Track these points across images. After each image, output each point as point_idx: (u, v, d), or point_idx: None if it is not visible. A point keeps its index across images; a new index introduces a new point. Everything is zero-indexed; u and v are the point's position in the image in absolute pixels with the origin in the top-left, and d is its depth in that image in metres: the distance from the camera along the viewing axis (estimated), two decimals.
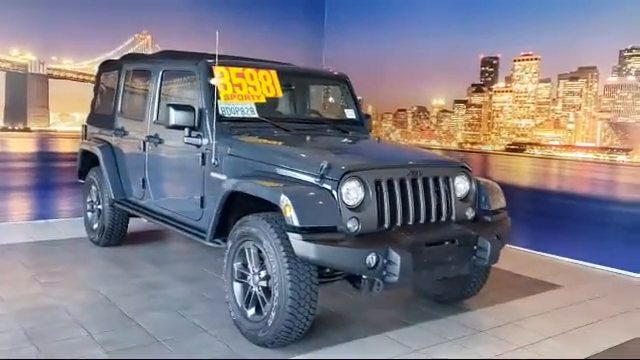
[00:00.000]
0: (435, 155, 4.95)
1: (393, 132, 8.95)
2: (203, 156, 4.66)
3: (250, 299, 3.95)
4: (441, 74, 8.07)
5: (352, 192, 3.74)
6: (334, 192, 3.68)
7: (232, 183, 4.09)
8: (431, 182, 4.13)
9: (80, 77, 7.72)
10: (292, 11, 9.71)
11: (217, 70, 4.80)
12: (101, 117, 6.51)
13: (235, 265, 4.07)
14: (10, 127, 7.41)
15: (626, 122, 6.23)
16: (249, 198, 4.01)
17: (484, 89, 7.62)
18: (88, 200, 6.57)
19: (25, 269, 5.45)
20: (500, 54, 7.43)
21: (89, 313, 4.37)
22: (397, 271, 3.53)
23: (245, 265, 4.02)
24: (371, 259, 3.52)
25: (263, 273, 3.82)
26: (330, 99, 5.77)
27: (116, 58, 7.43)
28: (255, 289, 3.90)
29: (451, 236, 4.01)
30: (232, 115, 4.73)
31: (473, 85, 7.76)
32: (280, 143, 4.52)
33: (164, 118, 5.05)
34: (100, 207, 6.25)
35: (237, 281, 4.06)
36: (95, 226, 6.38)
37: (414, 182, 4.03)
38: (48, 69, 7.56)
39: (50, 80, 7.60)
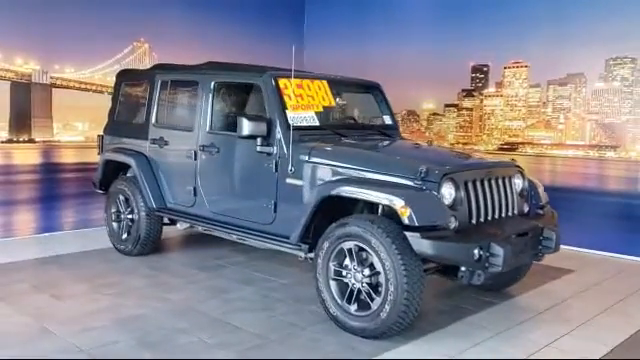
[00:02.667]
0: (492, 158, 5.46)
1: None
2: (276, 163, 4.89)
3: (352, 296, 4.24)
4: (430, 80, 8.61)
5: (449, 192, 4.15)
6: (435, 193, 4.07)
7: (330, 187, 4.36)
8: (500, 181, 4.62)
9: (82, 86, 7.62)
10: (274, 14, 9.92)
11: (282, 82, 5.05)
12: (127, 127, 6.49)
13: (332, 264, 4.34)
14: (15, 139, 7.19)
15: (613, 122, 7.03)
16: (332, 204, 4.33)
17: (475, 94, 8.24)
18: (113, 210, 6.52)
19: (78, 283, 5.39)
20: (490, 62, 8.07)
21: (181, 319, 4.47)
22: (500, 262, 3.97)
23: (341, 264, 4.31)
24: (476, 252, 3.94)
25: (367, 271, 4.13)
26: (366, 106, 6.13)
27: (117, 67, 7.44)
28: (358, 286, 4.20)
29: (527, 228, 4.51)
30: (298, 124, 4.99)
31: (464, 90, 8.36)
32: (357, 149, 4.83)
33: (222, 127, 5.24)
34: (131, 216, 6.25)
35: (334, 279, 4.34)
36: (125, 236, 6.36)
37: (489, 181, 4.50)
38: (51, 78, 7.40)
39: (53, 90, 7.44)
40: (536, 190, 5.07)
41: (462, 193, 4.22)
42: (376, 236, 4.00)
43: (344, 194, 4.27)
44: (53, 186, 7.52)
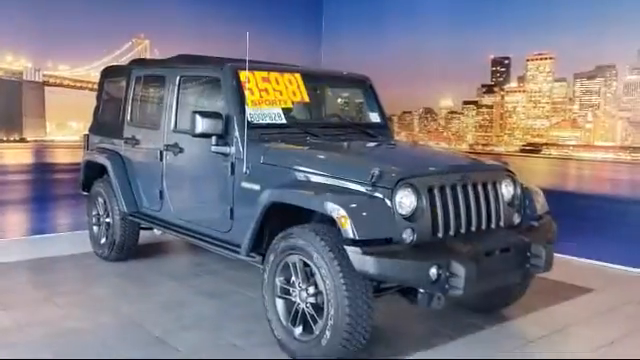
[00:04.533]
0: (479, 159, 4.77)
1: (398, 135, 8.77)
2: (232, 165, 4.43)
3: (297, 317, 3.71)
4: (448, 75, 7.93)
5: (406, 200, 3.55)
6: (387, 201, 3.48)
7: (273, 193, 3.86)
8: (480, 187, 3.96)
9: (77, 84, 7.39)
10: (289, 9, 9.48)
11: (243, 74, 4.57)
12: (106, 126, 6.22)
13: (278, 280, 3.83)
14: (5, 138, 7.03)
15: None
16: (286, 209, 3.81)
17: (495, 89, 7.51)
18: (94, 213, 6.25)
19: (36, 290, 5.12)
20: (512, 54, 7.31)
21: (118, 336, 4.08)
22: (461, 284, 3.34)
23: (288, 280, 3.79)
24: (433, 272, 3.33)
25: (312, 289, 3.59)
26: (352, 102, 5.58)
27: (114, 64, 7.15)
28: (302, 306, 3.66)
29: (506, 244, 3.83)
30: (260, 121, 4.52)
31: (483, 86, 7.64)
32: (317, 150, 4.29)
33: (186, 126, 4.83)
34: (109, 220, 5.95)
35: (280, 297, 3.83)
36: (103, 240, 6.07)
37: (464, 188, 3.85)
38: (44, 76, 7.21)
39: (46, 88, 7.25)
40: (532, 198, 4.35)
41: (424, 201, 3.60)
42: (318, 250, 3.46)
43: (285, 201, 3.75)
44: (45, 187, 7.34)
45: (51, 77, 7.26)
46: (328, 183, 3.76)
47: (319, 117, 5.31)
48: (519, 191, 4.29)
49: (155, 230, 5.79)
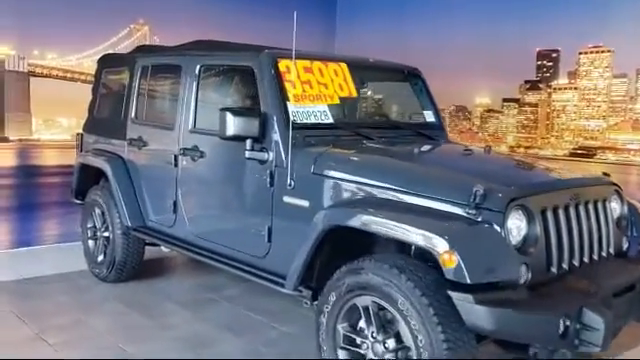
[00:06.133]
0: (578, 172, 3.93)
1: None
2: (271, 175, 3.57)
3: None
4: (485, 69, 7.12)
5: (517, 227, 2.73)
6: (497, 228, 2.65)
7: (336, 214, 3.01)
8: (591, 207, 3.15)
9: (68, 75, 6.49)
10: None
11: (283, 64, 3.72)
12: (105, 124, 5.33)
13: (340, 327, 2.98)
14: None
15: None
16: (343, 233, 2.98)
17: (541, 86, 6.75)
18: (89, 225, 5.35)
19: (21, 322, 4.20)
20: (561, 47, 6.55)
21: None
22: (599, 339, 2.51)
23: (355, 327, 2.95)
24: (562, 324, 2.50)
25: (391, 342, 2.75)
26: (399, 98, 4.75)
27: (111, 52, 6.22)
28: None
29: (631, 279, 3.03)
30: (304, 121, 3.66)
31: (527, 82, 6.90)
32: (384, 157, 3.46)
33: (208, 125, 3.98)
34: (108, 234, 5.06)
35: (344, 349, 2.98)
36: (100, 258, 5.17)
37: (576, 208, 3.04)
38: (29, 65, 6.28)
39: (32, 79, 6.31)
40: (638, 217, 3.56)
41: (538, 228, 2.78)
42: (405, 293, 2.61)
43: (356, 225, 2.89)
44: (31, 193, 6.40)
45: (38, 66, 6.35)
46: (407, 202, 2.93)
47: (368, 115, 4.47)
48: (625, 209, 3.49)
49: (163, 247, 4.92)
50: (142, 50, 5.19)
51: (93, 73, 6.30)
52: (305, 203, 3.37)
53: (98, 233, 5.23)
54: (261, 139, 3.60)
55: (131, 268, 5.07)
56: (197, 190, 4.27)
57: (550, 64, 6.61)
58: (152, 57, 4.84)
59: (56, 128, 6.59)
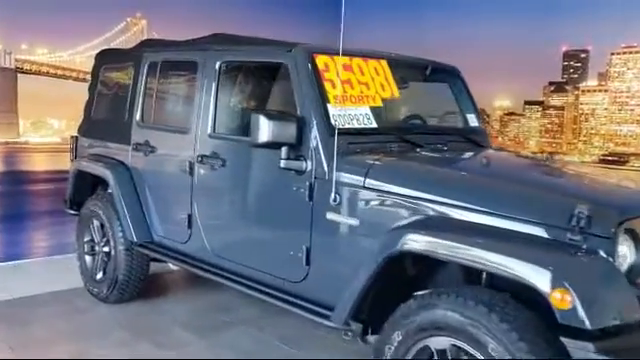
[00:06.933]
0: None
1: None
2: (310, 187, 3.09)
3: None
4: (505, 69, 6.73)
5: (622, 254, 2.30)
6: (605, 257, 2.21)
7: (409, 239, 2.51)
8: None
9: (59, 72, 5.97)
10: None
11: (320, 60, 3.26)
12: (104, 126, 4.85)
13: None
14: None
15: None
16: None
17: (567, 88, 6.38)
18: (86, 239, 4.83)
19: (14, 355, 3.67)
20: (591, 46, 6.14)
21: None
22: None
23: None
24: None
25: None
26: (438, 99, 4.30)
27: (105, 47, 5.69)
28: None
29: None
30: (346, 125, 3.19)
31: (552, 83, 6.51)
32: (455, 170, 3.01)
33: (230, 130, 3.53)
34: (108, 250, 4.55)
35: None
36: (100, 276, 4.66)
37: None
38: (17, 61, 5.73)
39: (19, 76, 5.72)
40: None
41: None
42: (498, 337, 2.15)
43: (434, 254, 2.43)
44: (19, 201, 5.83)
45: (26, 62, 5.82)
46: (488, 225, 2.47)
47: (411, 119, 4.01)
48: None
49: (170, 265, 4.42)
50: (148, 45, 4.67)
51: (86, 70, 5.74)
52: (354, 221, 2.91)
53: (97, 248, 4.72)
54: (297, 147, 3.13)
55: (134, 287, 4.56)
56: (217, 202, 3.77)
57: (578, 65, 6.25)
58: (163, 52, 4.32)
59: (46, 130, 6.04)
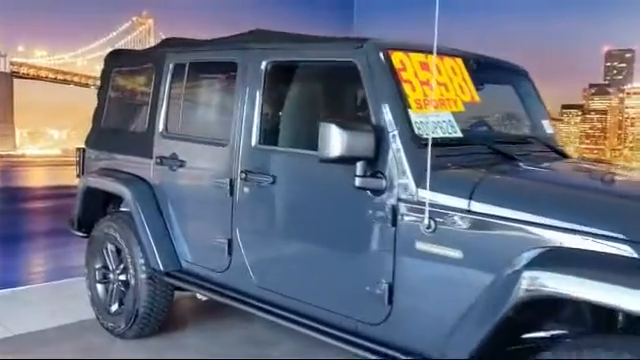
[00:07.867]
0: None
1: None
2: (394, 211, 2.58)
3: None
4: (540, 71, 6.24)
5: None
6: None
7: (552, 279, 2.01)
8: None
9: (59, 77, 5.41)
10: None
11: (397, 57, 2.76)
12: (118, 137, 4.33)
13: None
14: None
15: None
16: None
17: (610, 90, 5.97)
18: (97, 266, 4.28)
19: None
20: (637, 46, 5.80)
21: None
22: None
23: None
24: None
25: None
26: (507, 103, 3.84)
27: (109, 50, 5.19)
28: None
29: None
30: (431, 135, 2.69)
31: (592, 85, 6.10)
32: (582, 190, 2.53)
33: (287, 141, 3.05)
34: (125, 278, 4.01)
35: None
36: (115, 307, 4.10)
37: None
38: (12, 64, 5.19)
39: (15, 81, 5.22)
40: None
41: None
42: None
43: (588, 299, 1.93)
44: (16, 221, 5.27)
45: (22, 66, 5.28)
46: (627, 256, 2.00)
47: (491, 126, 3.54)
48: None
49: (198, 295, 3.89)
50: (171, 44, 4.13)
51: (88, 74, 5.20)
52: (456, 254, 2.39)
53: (111, 276, 4.17)
54: (374, 161, 2.62)
55: (156, 321, 4.02)
56: (266, 227, 3.24)
57: (622, 65, 5.87)
58: (190, 53, 3.79)
59: (45, 141, 5.52)
